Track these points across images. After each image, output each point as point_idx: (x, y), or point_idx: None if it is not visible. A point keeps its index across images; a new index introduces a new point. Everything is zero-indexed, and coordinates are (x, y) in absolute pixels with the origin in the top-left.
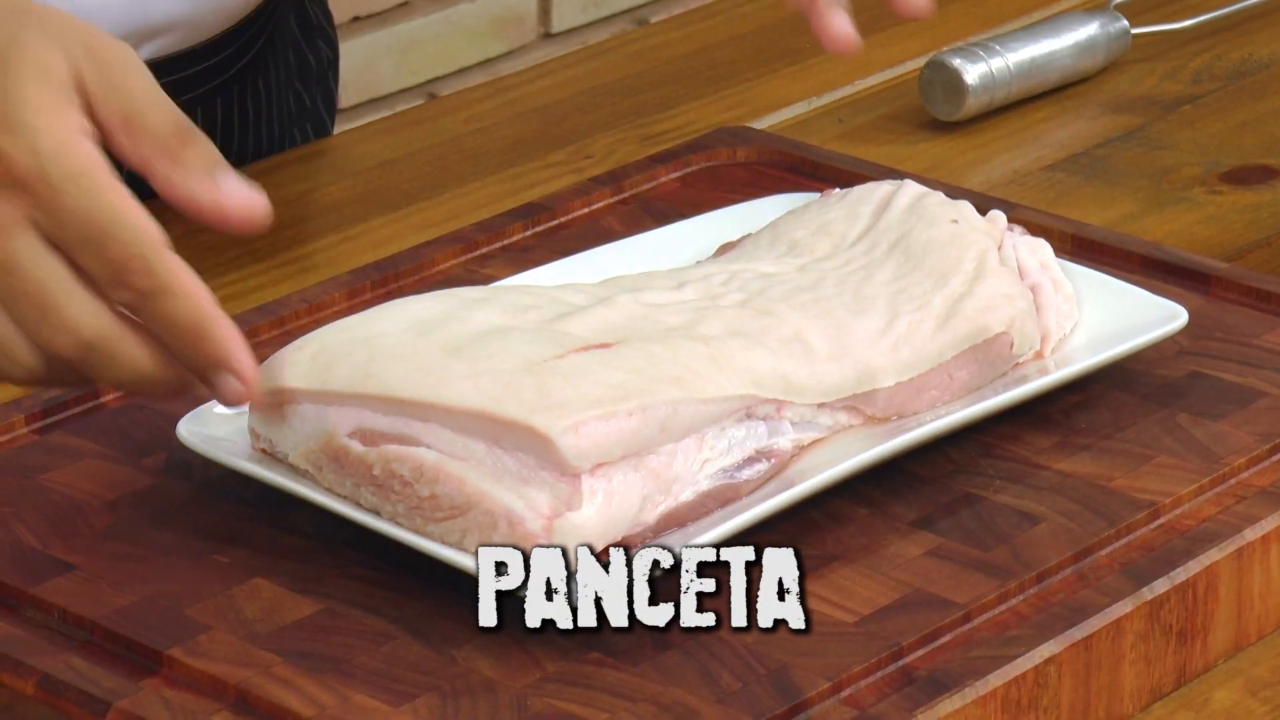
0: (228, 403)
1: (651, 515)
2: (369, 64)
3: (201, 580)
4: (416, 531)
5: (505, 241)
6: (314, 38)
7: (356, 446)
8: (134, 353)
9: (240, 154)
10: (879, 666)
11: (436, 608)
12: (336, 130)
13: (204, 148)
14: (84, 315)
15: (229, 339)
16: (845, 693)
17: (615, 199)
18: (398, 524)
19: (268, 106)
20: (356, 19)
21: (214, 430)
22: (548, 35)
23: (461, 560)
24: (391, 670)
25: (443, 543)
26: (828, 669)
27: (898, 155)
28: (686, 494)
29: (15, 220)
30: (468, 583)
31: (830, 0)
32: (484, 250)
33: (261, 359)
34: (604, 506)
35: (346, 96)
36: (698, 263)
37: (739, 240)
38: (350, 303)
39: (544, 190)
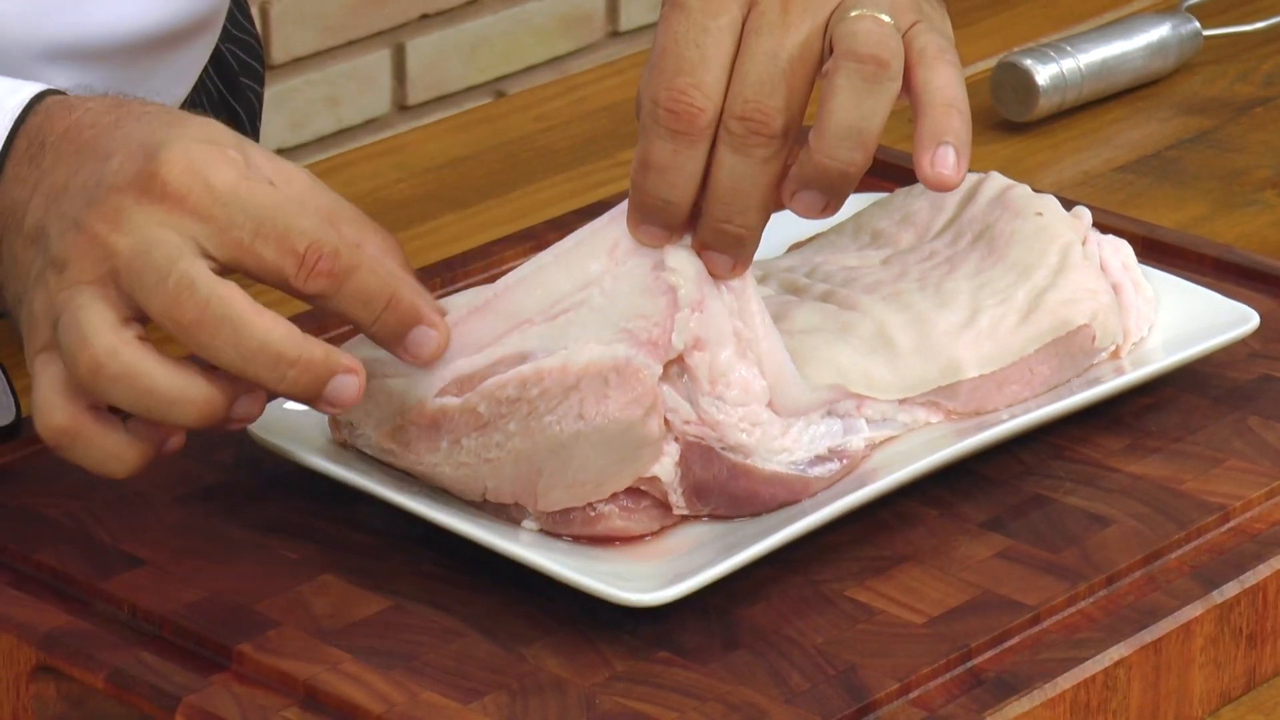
0: (426, 359)
1: (733, 436)
2: (437, 62)
3: (270, 576)
4: (530, 439)
5: None
6: (238, 86)
7: (453, 400)
8: (255, 318)
9: None
10: (948, 668)
11: (505, 605)
12: (406, 128)
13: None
14: (212, 280)
15: (419, 294)
16: (914, 694)
17: None
18: (509, 447)
19: None
20: (425, 16)
21: (283, 426)
22: (615, 33)
23: (530, 556)
24: (460, 667)
25: (560, 431)
26: (897, 670)
27: None
28: (759, 460)
29: (162, 224)
30: (537, 580)
31: (936, 136)
32: None
33: None
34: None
35: (414, 94)
36: (787, 250)
37: (811, 238)
38: None
39: (613, 188)
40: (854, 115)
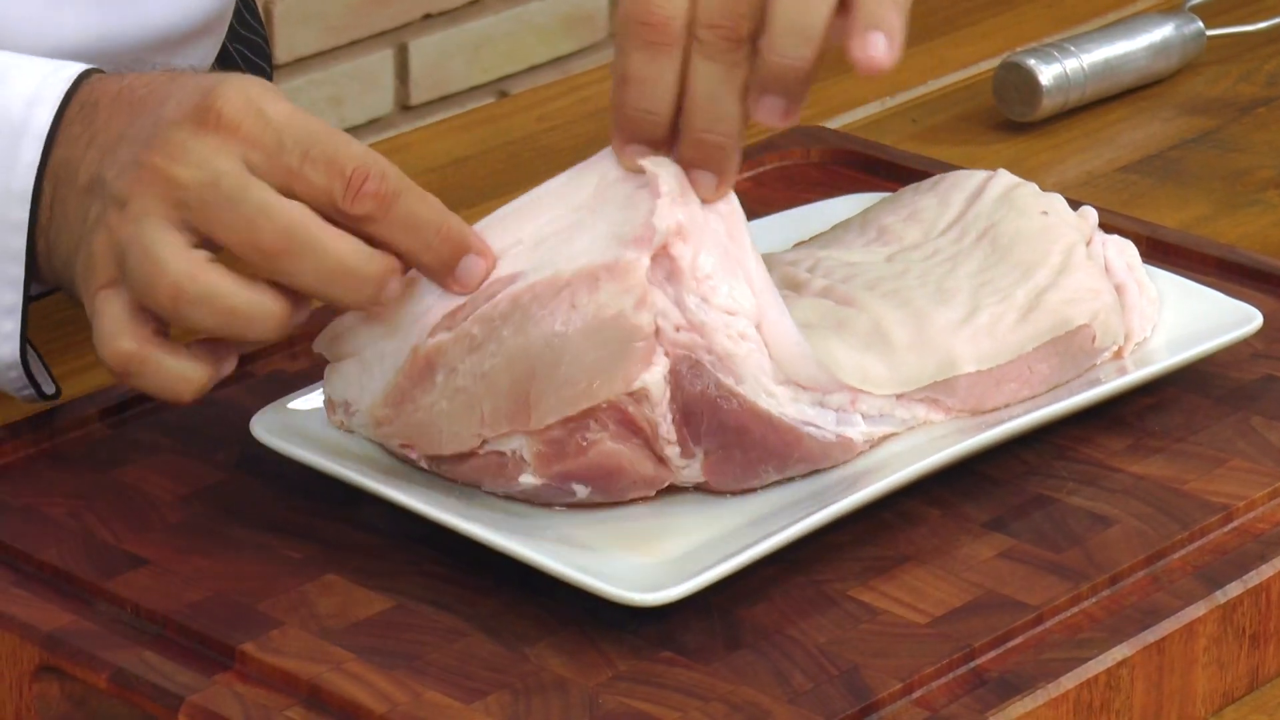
0: (472, 287)
1: (721, 342)
2: (440, 62)
3: (274, 575)
4: (520, 337)
5: None
6: None
7: (445, 335)
8: (333, 240)
9: None
10: (951, 668)
11: (508, 605)
12: (408, 128)
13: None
14: (287, 205)
15: (464, 225)
16: (917, 694)
17: None
18: (503, 352)
19: None
20: (428, 16)
21: (287, 425)
22: None
23: (533, 556)
24: (463, 667)
25: (550, 326)
26: (899, 670)
27: (971, 156)
28: (749, 390)
29: (224, 153)
30: (540, 580)
31: (868, 23)
32: None
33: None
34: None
35: (417, 94)
36: (785, 250)
37: (816, 236)
38: None
39: None
40: (795, 12)
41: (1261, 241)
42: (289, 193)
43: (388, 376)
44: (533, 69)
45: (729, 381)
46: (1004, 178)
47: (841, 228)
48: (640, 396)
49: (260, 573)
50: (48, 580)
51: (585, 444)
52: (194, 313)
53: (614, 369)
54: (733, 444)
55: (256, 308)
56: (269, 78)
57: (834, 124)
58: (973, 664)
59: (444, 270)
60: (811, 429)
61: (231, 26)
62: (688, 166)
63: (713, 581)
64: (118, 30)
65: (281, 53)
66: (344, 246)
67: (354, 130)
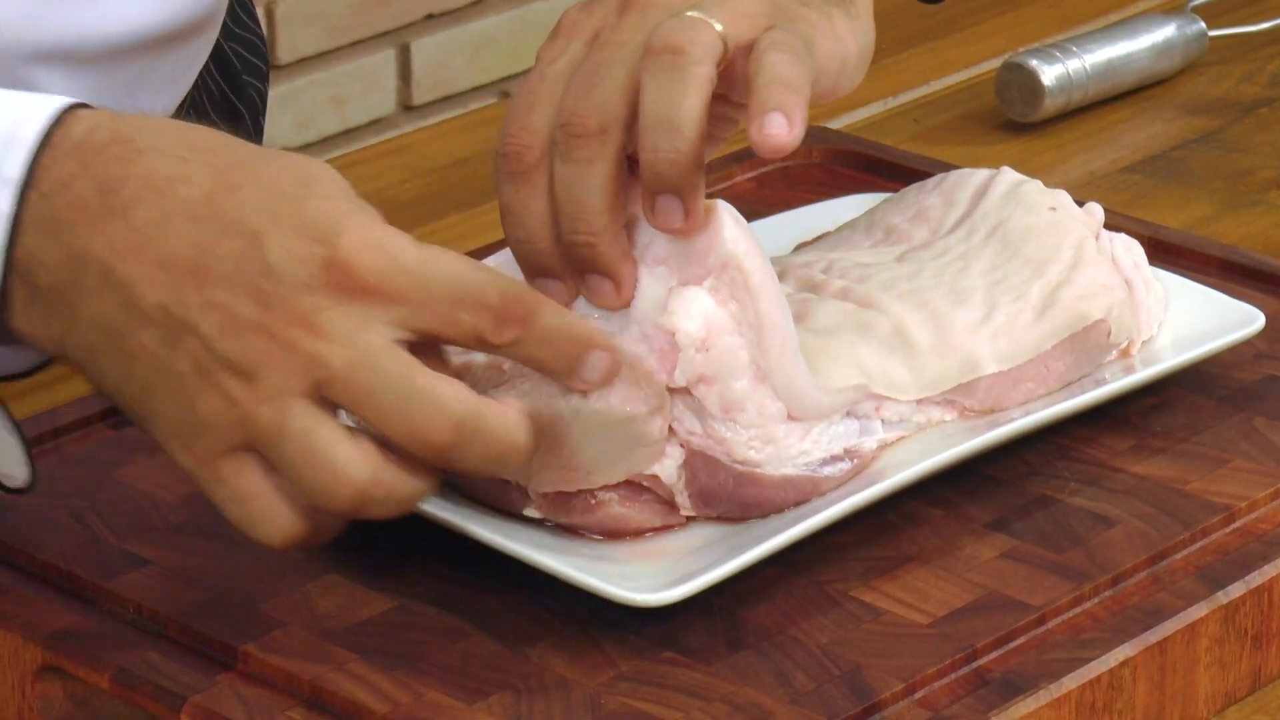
0: (601, 382)
1: (741, 452)
2: (442, 62)
3: (276, 576)
4: (538, 403)
5: None
6: (240, 85)
7: (479, 356)
8: (500, 420)
9: None
10: (953, 668)
11: (510, 605)
12: (411, 128)
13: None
14: (452, 393)
15: (583, 323)
16: (919, 694)
17: None
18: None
19: None
20: (430, 17)
21: None
22: None
23: (535, 556)
24: (465, 667)
25: (564, 406)
26: (902, 670)
27: (973, 156)
28: (770, 468)
29: (368, 320)
30: (542, 580)
31: (764, 105)
32: None
33: None
34: (717, 309)
35: (419, 94)
36: (794, 250)
37: (819, 237)
38: None
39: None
40: (660, 105)
41: (1264, 242)
42: (438, 338)
43: None
44: None
45: (749, 469)
46: (1008, 175)
47: (848, 229)
48: (651, 479)
49: (262, 573)
50: (50, 580)
51: (593, 504)
52: (372, 512)
53: (617, 462)
54: (752, 508)
55: (420, 494)
56: (265, 77)
57: (836, 124)
58: (975, 664)
59: (571, 373)
60: (828, 469)
61: (226, 25)
62: (573, 274)
63: (715, 582)
64: (102, 27)
65: (283, 53)
66: (509, 425)
67: (356, 131)
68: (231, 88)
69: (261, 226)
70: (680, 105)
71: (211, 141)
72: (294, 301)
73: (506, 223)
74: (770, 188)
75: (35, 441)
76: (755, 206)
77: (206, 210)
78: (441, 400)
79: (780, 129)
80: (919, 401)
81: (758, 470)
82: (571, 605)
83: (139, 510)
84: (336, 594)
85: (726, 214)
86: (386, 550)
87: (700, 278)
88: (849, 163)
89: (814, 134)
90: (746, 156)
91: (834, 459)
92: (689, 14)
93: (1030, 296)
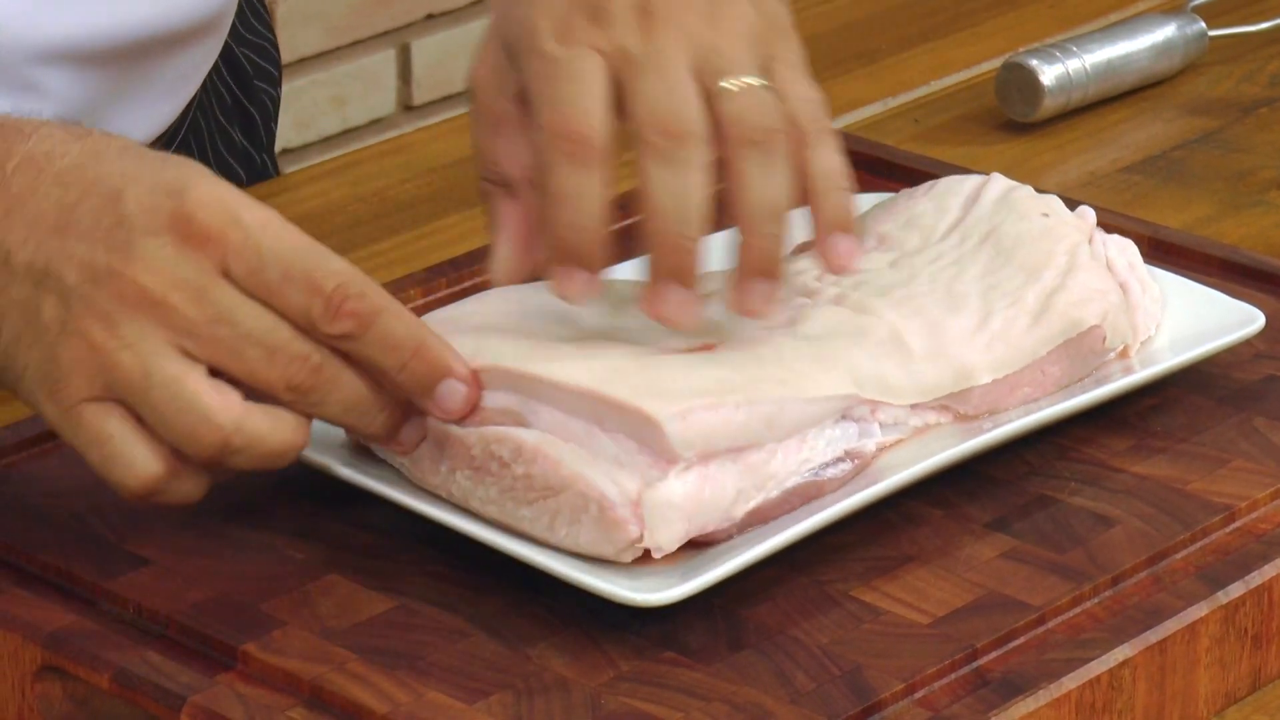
0: (454, 413)
1: (741, 510)
2: (442, 62)
3: (276, 576)
4: (505, 518)
5: None
6: (252, 90)
7: (456, 428)
8: (352, 379)
9: None
10: (953, 668)
11: (511, 605)
12: (411, 128)
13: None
14: (307, 345)
15: (446, 347)
16: (919, 694)
17: None
18: (487, 512)
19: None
20: (430, 17)
21: None
22: None
23: (536, 557)
24: (466, 667)
25: (530, 529)
26: (902, 670)
27: (973, 156)
28: (775, 491)
29: (213, 273)
30: (543, 580)
31: (831, 224)
32: None
33: None
34: (695, 490)
35: (420, 94)
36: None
37: (809, 242)
38: (426, 300)
39: (618, 188)
40: (762, 191)
41: (1264, 242)
42: (266, 305)
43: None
44: None
45: (750, 506)
46: (999, 181)
47: None
48: None
49: (262, 573)
50: (50, 580)
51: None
52: (235, 460)
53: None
54: (759, 522)
55: (290, 445)
56: (278, 83)
57: (836, 124)
58: (975, 664)
59: (422, 392)
60: (831, 471)
61: (236, 30)
62: (655, 278)
63: (715, 582)
64: (109, 28)
65: (284, 53)
66: (365, 379)
67: (356, 130)
68: (244, 92)
69: (122, 185)
70: (784, 190)
71: (99, 134)
72: (139, 246)
73: (558, 206)
74: None
75: (35, 441)
76: None
77: (74, 175)
78: (295, 347)
79: (848, 253)
80: (913, 406)
81: (763, 500)
82: (572, 606)
83: (139, 510)
84: (336, 594)
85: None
86: (386, 550)
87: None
88: (849, 162)
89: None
90: None
91: (836, 461)
92: (754, 84)
93: (1025, 303)
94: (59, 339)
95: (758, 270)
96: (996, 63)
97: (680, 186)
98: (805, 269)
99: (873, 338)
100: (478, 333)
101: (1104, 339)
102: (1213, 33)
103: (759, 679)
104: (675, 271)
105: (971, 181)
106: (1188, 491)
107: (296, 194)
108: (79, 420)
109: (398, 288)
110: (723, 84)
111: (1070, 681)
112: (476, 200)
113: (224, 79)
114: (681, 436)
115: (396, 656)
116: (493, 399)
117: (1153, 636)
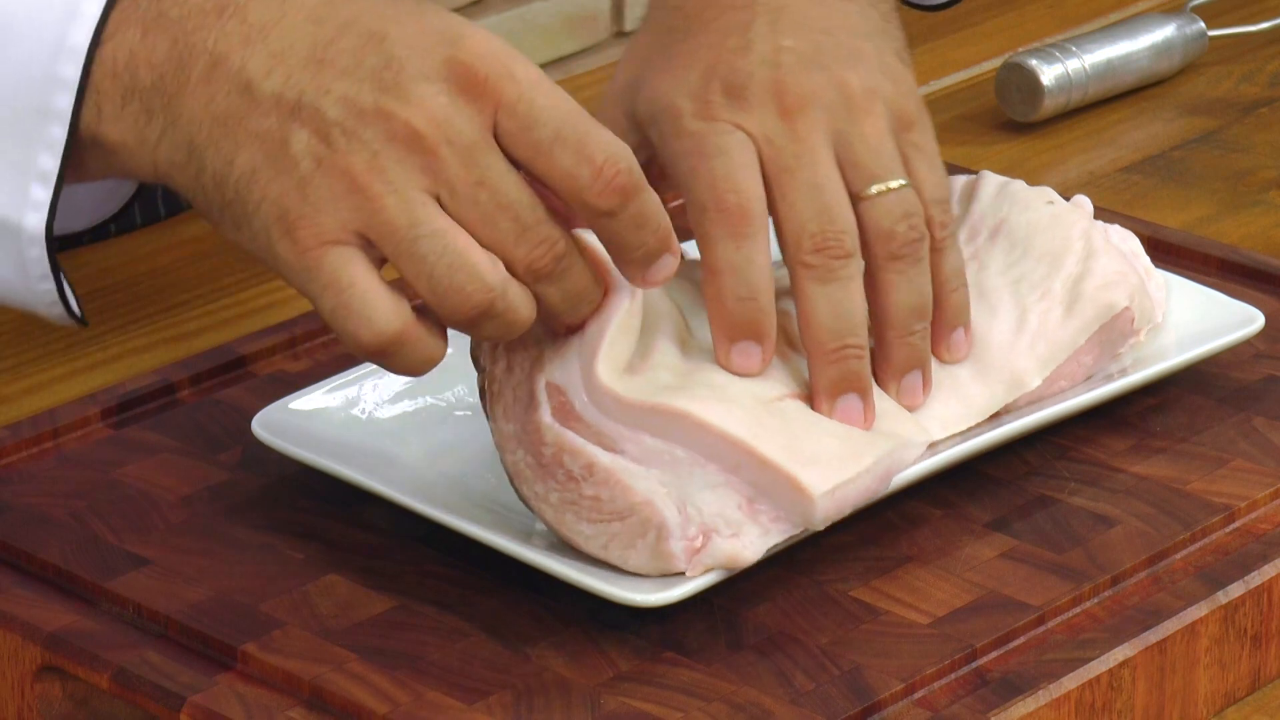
0: (660, 282)
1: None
2: None
3: (276, 576)
4: (558, 525)
5: None
6: None
7: (546, 411)
8: (582, 269)
9: None
10: (953, 668)
11: (510, 605)
12: None
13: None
14: (556, 229)
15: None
16: (919, 694)
17: None
18: (537, 507)
19: None
20: None
21: (288, 426)
22: (621, 33)
23: (535, 557)
24: (465, 667)
25: (583, 545)
26: (901, 670)
27: (973, 156)
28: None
29: (485, 130)
30: (542, 580)
31: (951, 323)
32: None
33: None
34: (760, 549)
35: None
36: None
37: None
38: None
39: None
40: (911, 300)
41: (1264, 242)
42: (530, 166)
43: (517, 377)
44: None
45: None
46: (990, 177)
47: None
48: None
49: (262, 573)
50: (49, 580)
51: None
52: (489, 328)
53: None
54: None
55: (528, 324)
56: None
57: None
58: (975, 664)
59: (644, 265)
60: None
61: None
62: (825, 392)
63: (715, 582)
64: None
65: None
66: (587, 268)
67: None
68: None
69: (382, 28)
70: (927, 291)
71: None
72: (415, 90)
73: (724, 280)
74: None
75: (35, 441)
76: None
77: (324, 11)
78: (547, 231)
79: (919, 392)
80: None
81: None
82: (571, 606)
83: (139, 510)
84: (336, 594)
85: None
86: (386, 550)
87: None
88: None
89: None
90: None
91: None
92: (897, 188)
93: (1054, 293)
94: (312, 174)
95: (911, 366)
96: (996, 63)
97: (840, 300)
98: None
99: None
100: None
101: (1133, 320)
102: (1212, 33)
103: (758, 679)
104: (849, 380)
105: (960, 181)
106: (1187, 491)
107: None
108: (317, 263)
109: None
110: (870, 190)
111: (1070, 682)
112: None
113: None
114: (825, 514)
115: (396, 656)
116: (592, 415)
117: (1152, 637)
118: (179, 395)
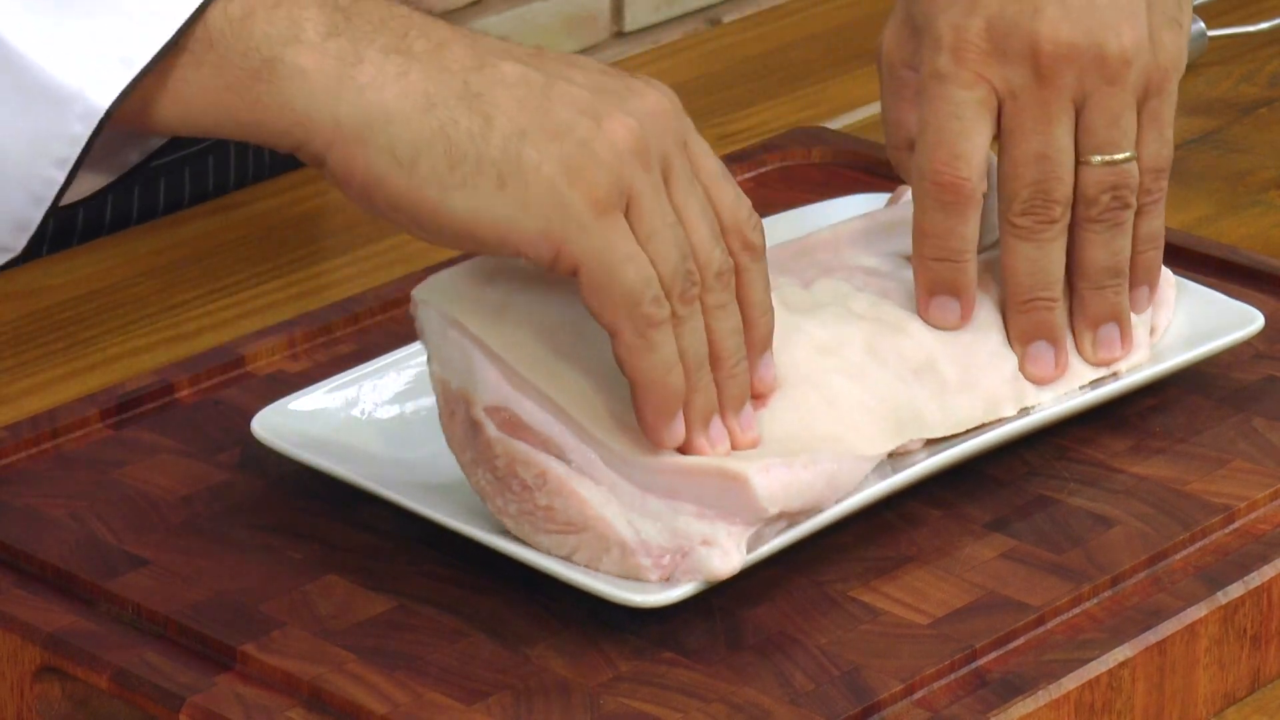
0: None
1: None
2: None
3: (275, 576)
4: (522, 536)
5: None
6: None
7: (491, 428)
8: (736, 308)
9: (241, 177)
10: (952, 669)
11: (510, 606)
12: None
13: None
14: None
15: None
16: (918, 694)
17: None
18: (503, 522)
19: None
20: None
21: (288, 426)
22: (620, 34)
23: (535, 558)
24: (465, 668)
25: (549, 555)
26: (901, 670)
27: None
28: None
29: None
30: (542, 581)
31: (1098, 320)
32: None
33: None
34: (738, 560)
35: None
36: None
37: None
38: (389, 313)
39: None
40: (1110, 260)
41: (1263, 242)
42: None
43: (461, 376)
44: None
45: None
46: None
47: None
48: None
49: (261, 573)
50: (49, 581)
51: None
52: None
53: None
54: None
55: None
56: None
57: (835, 124)
58: (974, 665)
59: (757, 351)
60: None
61: None
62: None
63: (714, 582)
64: None
65: None
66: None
67: None
68: None
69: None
70: (1123, 256)
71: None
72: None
73: (928, 244)
74: (770, 188)
75: (35, 441)
76: (755, 206)
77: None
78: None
79: (1115, 347)
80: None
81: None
82: (571, 606)
83: (139, 510)
84: (335, 595)
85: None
86: (386, 550)
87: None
88: (849, 163)
89: (813, 134)
90: (745, 157)
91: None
92: (1120, 161)
93: None
94: (577, 146)
95: (1106, 318)
96: None
97: (1036, 259)
98: (832, 267)
99: (909, 365)
100: (552, 351)
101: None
102: (1212, 33)
103: (758, 679)
104: (1039, 329)
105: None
106: (1187, 492)
107: (296, 194)
108: (605, 236)
109: (396, 288)
110: (1094, 159)
111: (1069, 682)
112: None
113: None
114: (767, 491)
115: (395, 657)
116: (534, 419)
117: (1152, 637)
118: (178, 395)
